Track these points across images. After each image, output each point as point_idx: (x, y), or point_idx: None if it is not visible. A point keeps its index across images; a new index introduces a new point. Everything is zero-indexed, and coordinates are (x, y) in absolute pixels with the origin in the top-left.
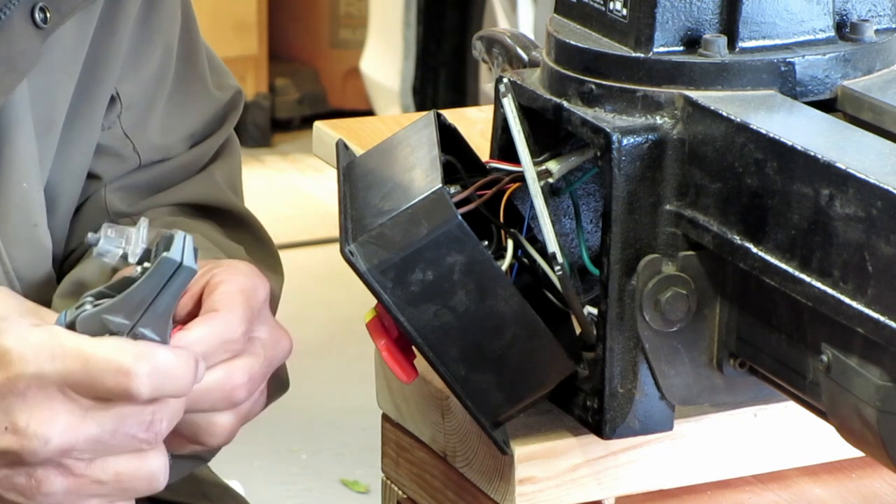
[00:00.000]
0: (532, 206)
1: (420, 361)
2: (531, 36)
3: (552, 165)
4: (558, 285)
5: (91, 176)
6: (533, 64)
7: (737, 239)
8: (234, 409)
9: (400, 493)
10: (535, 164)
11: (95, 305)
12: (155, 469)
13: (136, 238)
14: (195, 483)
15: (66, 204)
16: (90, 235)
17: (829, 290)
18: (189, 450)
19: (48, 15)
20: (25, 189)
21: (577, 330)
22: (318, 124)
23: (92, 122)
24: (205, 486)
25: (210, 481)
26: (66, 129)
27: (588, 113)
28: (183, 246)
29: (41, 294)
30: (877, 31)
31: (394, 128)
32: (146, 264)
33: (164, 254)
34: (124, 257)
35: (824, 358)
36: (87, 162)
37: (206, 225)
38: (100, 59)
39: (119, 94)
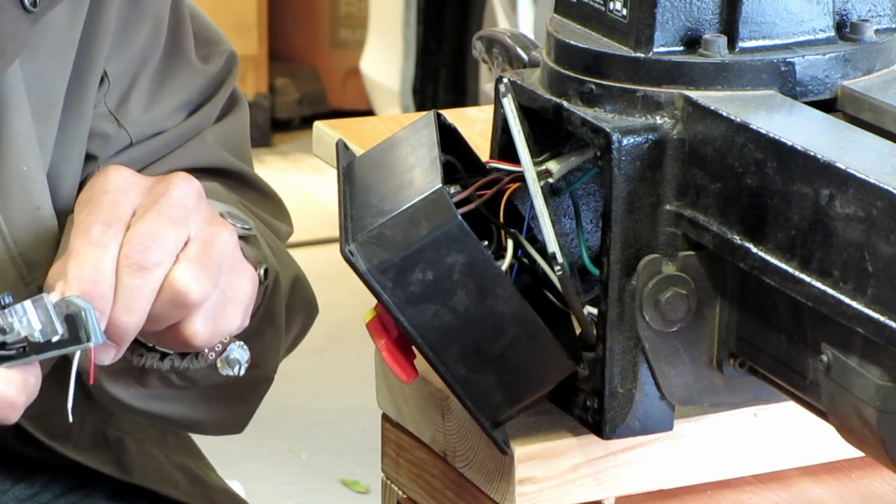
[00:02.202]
0: (532, 206)
1: (420, 361)
2: (531, 36)
3: (552, 165)
4: (558, 285)
5: (87, 157)
6: (533, 64)
7: (737, 239)
8: (193, 307)
9: (400, 493)
10: (535, 164)
11: None
12: None
13: (23, 321)
14: (203, 488)
15: (69, 187)
16: None
17: (829, 290)
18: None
19: None
20: (25, 172)
21: (577, 330)
22: (318, 124)
23: (85, 103)
24: (213, 492)
25: (219, 487)
26: (63, 112)
27: (588, 113)
28: (95, 324)
29: None
30: (877, 31)
31: (394, 128)
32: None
33: (89, 343)
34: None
35: (824, 358)
36: (84, 144)
37: (208, 183)
38: (90, 39)
39: (107, 73)
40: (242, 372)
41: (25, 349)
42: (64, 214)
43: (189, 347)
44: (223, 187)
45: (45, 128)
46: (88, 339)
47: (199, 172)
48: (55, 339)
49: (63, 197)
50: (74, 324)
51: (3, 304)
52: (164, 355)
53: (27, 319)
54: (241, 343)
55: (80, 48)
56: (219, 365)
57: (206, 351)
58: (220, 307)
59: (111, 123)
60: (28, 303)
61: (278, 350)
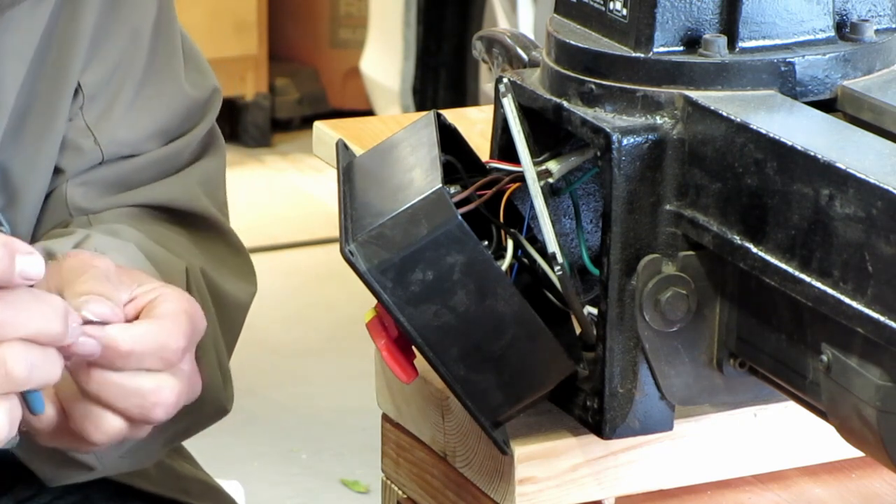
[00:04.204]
0: (532, 206)
1: (420, 361)
2: (531, 36)
3: (552, 165)
4: (558, 285)
5: (55, 170)
6: (533, 64)
7: (737, 239)
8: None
9: (400, 493)
10: (535, 164)
11: None
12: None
13: None
14: (175, 478)
15: (32, 197)
16: None
17: (829, 290)
18: (68, 439)
19: None
20: None
21: (577, 330)
22: (318, 124)
23: (58, 113)
24: (186, 482)
25: (192, 477)
26: (31, 122)
27: (588, 113)
28: None
29: None
30: (877, 31)
31: (394, 128)
32: None
33: None
34: None
35: (824, 358)
36: (54, 155)
37: (170, 229)
38: (63, 48)
39: (81, 84)
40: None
41: None
42: (23, 224)
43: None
44: (187, 238)
45: None
46: None
47: (172, 213)
48: None
49: (24, 208)
50: None
51: None
52: None
53: None
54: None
55: (53, 56)
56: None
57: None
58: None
59: (87, 138)
60: None
61: (117, 458)
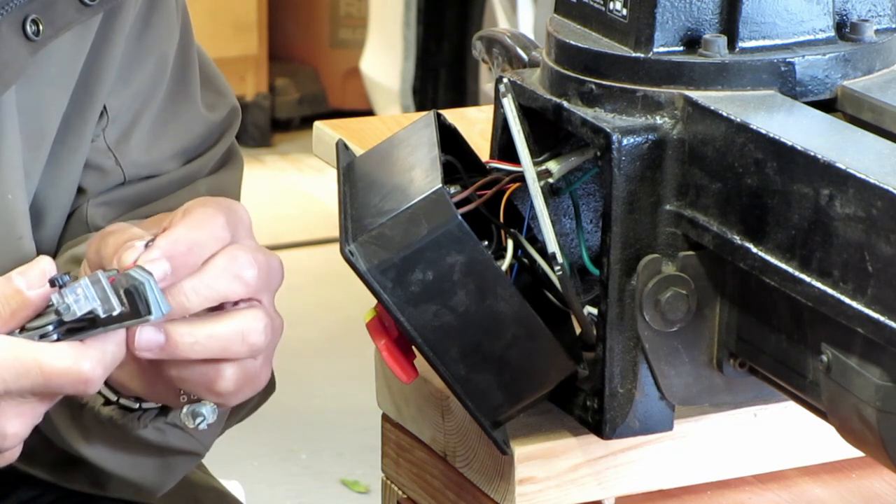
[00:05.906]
0: (532, 206)
1: (420, 361)
2: (531, 36)
3: (552, 165)
4: (558, 285)
5: (78, 190)
6: (533, 64)
7: (737, 239)
8: (238, 362)
9: (400, 493)
10: (535, 164)
11: (57, 327)
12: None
13: (79, 300)
14: (187, 487)
15: (56, 217)
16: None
17: (829, 290)
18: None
19: (40, 27)
20: (10, 200)
21: (577, 330)
22: (318, 124)
23: (83, 135)
24: (197, 490)
25: (203, 485)
26: (58, 143)
27: (588, 113)
28: (156, 296)
29: None
30: (877, 31)
31: (394, 128)
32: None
33: (148, 317)
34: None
35: (824, 358)
36: (77, 176)
37: None
38: (93, 73)
39: (106, 107)
40: (202, 427)
41: (95, 321)
42: (45, 244)
43: (210, 393)
44: None
45: (34, 157)
46: (149, 312)
47: None
48: (116, 313)
49: (48, 228)
50: (134, 298)
51: (60, 283)
52: (107, 402)
53: (83, 297)
54: (216, 407)
55: (82, 81)
56: (184, 411)
57: (183, 396)
58: (249, 380)
59: (108, 159)
60: (84, 280)
61: (217, 433)
